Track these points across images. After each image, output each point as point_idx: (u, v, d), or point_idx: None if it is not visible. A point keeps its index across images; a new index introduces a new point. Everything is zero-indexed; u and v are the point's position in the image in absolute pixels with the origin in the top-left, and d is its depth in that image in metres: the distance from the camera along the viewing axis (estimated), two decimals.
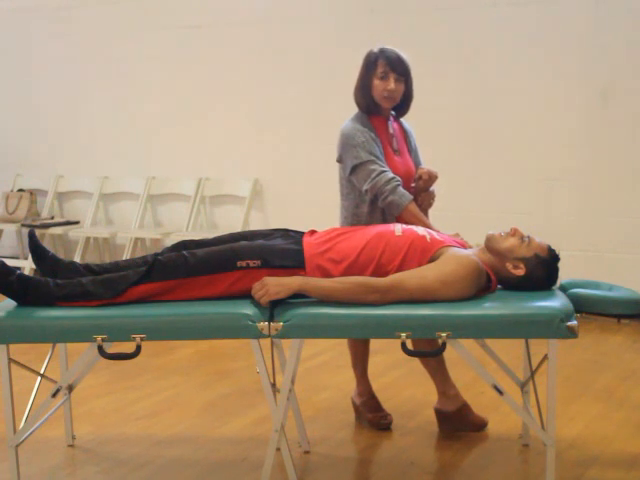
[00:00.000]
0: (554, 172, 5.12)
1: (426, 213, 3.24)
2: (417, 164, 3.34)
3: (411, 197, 3.10)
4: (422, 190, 3.23)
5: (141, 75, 6.35)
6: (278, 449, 2.72)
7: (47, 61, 6.70)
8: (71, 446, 3.22)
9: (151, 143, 6.38)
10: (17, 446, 2.66)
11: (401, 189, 3.08)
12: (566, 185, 5.11)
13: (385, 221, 3.11)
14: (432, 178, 3.23)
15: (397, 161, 3.21)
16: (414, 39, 5.25)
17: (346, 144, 3.15)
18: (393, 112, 3.31)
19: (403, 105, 3.26)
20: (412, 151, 3.34)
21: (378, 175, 3.07)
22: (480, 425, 3.29)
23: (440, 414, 3.31)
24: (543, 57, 5.08)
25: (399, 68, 3.14)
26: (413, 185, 3.24)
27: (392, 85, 3.13)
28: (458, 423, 3.28)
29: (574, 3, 4.97)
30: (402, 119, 3.35)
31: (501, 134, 5.25)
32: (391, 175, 3.09)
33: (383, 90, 3.14)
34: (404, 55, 3.18)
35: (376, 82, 3.15)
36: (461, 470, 3.02)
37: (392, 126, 3.27)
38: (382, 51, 3.17)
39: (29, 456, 3.04)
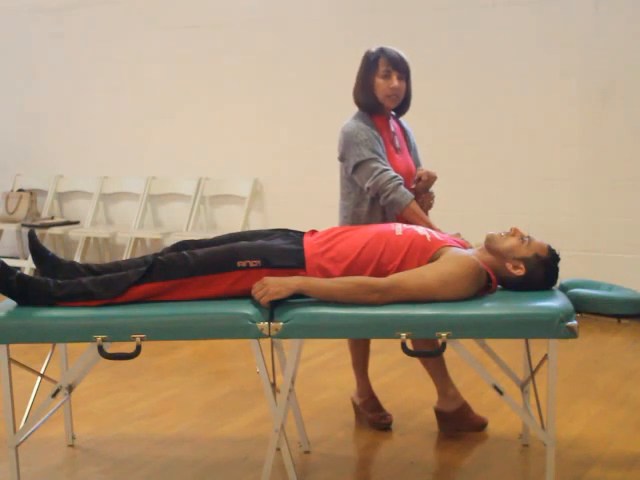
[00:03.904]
0: (554, 172, 5.12)
1: (426, 214, 3.24)
2: (417, 163, 3.35)
3: (412, 196, 3.10)
4: (422, 191, 3.23)
5: (141, 75, 6.35)
6: (278, 449, 2.72)
7: (47, 61, 6.70)
8: (71, 446, 3.22)
9: (151, 143, 6.38)
10: (17, 446, 2.66)
11: (403, 188, 3.08)
12: (566, 185, 5.11)
13: (385, 220, 3.11)
14: (431, 179, 3.24)
15: (398, 159, 3.22)
16: (414, 39, 5.25)
17: (348, 142, 3.14)
18: (393, 112, 3.31)
19: (404, 104, 3.26)
20: (412, 150, 3.35)
21: (380, 173, 3.07)
22: (480, 425, 3.29)
23: (440, 414, 3.31)
24: (543, 57, 5.08)
25: (401, 66, 3.16)
26: (413, 187, 3.24)
27: (395, 83, 3.14)
28: (458, 423, 3.28)
29: (574, 3, 4.97)
30: (401, 118, 3.36)
31: (501, 134, 5.24)
32: (393, 174, 3.08)
33: (387, 88, 3.14)
34: (403, 54, 3.20)
35: (379, 81, 3.15)
36: (461, 470, 3.02)
37: (393, 124, 3.28)
38: (382, 50, 3.18)
39: (29, 456, 3.04)
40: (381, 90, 3.15)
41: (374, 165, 3.08)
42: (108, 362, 2.75)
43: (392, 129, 3.26)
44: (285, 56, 5.82)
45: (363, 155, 3.09)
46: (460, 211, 5.18)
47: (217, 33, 6.03)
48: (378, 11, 5.47)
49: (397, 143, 3.25)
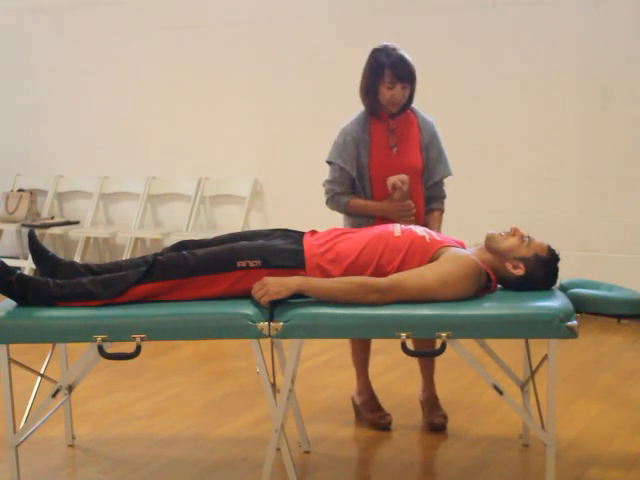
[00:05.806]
0: (554, 172, 5.12)
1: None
2: (435, 157, 3.33)
3: (346, 199, 3.26)
4: (401, 199, 3.18)
5: (141, 75, 6.35)
6: (278, 449, 2.72)
7: (47, 61, 6.69)
8: (71, 446, 3.22)
9: (151, 143, 6.38)
10: (17, 446, 2.66)
11: (336, 197, 3.28)
12: (566, 185, 5.11)
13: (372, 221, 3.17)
14: (405, 184, 3.16)
15: (390, 158, 3.23)
16: (414, 39, 5.23)
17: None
18: None
19: (406, 102, 3.27)
20: (424, 147, 3.32)
21: (324, 184, 3.34)
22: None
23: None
24: (543, 57, 5.08)
25: (406, 77, 3.18)
26: (391, 198, 3.20)
27: (398, 95, 3.19)
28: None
29: (574, 3, 4.97)
30: (424, 113, 3.37)
31: (501, 134, 5.24)
32: (329, 187, 3.30)
33: (391, 97, 3.19)
34: (408, 57, 3.19)
35: (383, 90, 3.19)
36: (461, 470, 3.02)
37: (393, 123, 3.27)
38: (388, 57, 3.17)
39: (29, 456, 3.04)
40: (385, 99, 3.21)
41: (329, 173, 3.31)
42: (108, 362, 2.75)
43: (390, 127, 3.26)
44: (285, 56, 5.81)
45: (331, 156, 3.30)
46: (460, 211, 5.16)
47: (217, 33, 6.03)
48: (378, 11, 5.47)
49: (392, 142, 3.26)
